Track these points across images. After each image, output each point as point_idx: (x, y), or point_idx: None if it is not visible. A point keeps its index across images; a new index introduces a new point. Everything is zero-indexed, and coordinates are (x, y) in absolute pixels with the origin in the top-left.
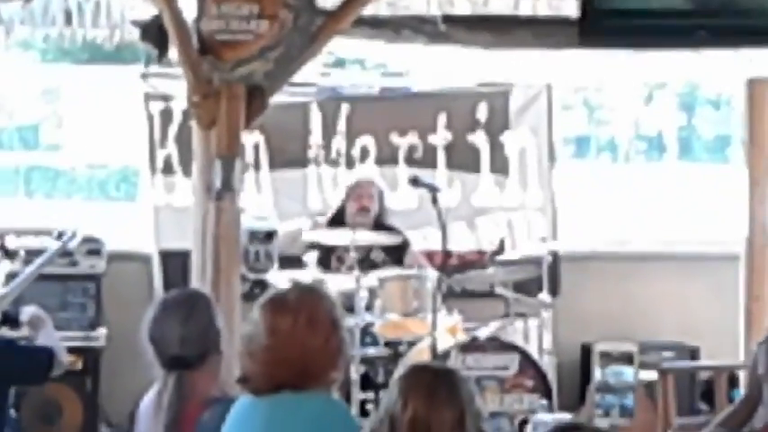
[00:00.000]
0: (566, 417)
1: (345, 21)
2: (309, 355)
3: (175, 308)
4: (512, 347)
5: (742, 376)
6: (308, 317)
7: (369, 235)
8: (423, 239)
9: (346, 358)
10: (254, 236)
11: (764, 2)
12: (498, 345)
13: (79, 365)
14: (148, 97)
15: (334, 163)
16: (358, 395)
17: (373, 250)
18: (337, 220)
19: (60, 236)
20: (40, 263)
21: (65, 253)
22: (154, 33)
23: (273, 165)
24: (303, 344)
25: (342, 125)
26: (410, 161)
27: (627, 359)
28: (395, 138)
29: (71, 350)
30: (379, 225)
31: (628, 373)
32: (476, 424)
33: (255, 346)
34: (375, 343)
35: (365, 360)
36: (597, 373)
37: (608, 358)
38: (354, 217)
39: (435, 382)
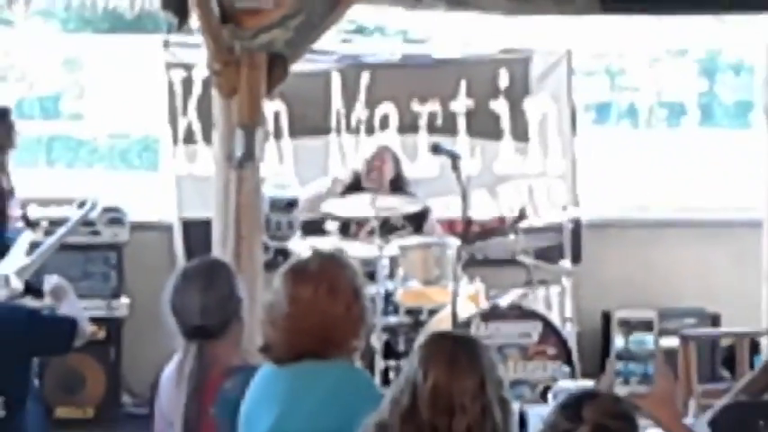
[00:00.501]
0: (588, 384)
1: None
2: (331, 323)
3: (196, 277)
4: (533, 315)
5: (764, 343)
6: (329, 285)
7: (388, 200)
8: (444, 207)
9: (368, 326)
10: (275, 204)
11: None
12: (520, 312)
13: (102, 335)
14: (169, 66)
15: (355, 131)
16: (380, 363)
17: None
18: (354, 188)
19: (82, 205)
20: (62, 233)
21: (87, 223)
22: (174, 2)
23: (294, 133)
24: (324, 312)
25: (363, 93)
26: (431, 128)
27: (646, 327)
28: (416, 105)
29: (93, 320)
30: (397, 189)
31: (649, 340)
32: (497, 392)
33: (277, 314)
34: (397, 311)
35: (387, 328)
36: (618, 341)
37: (627, 326)
38: (366, 178)
39: (455, 351)
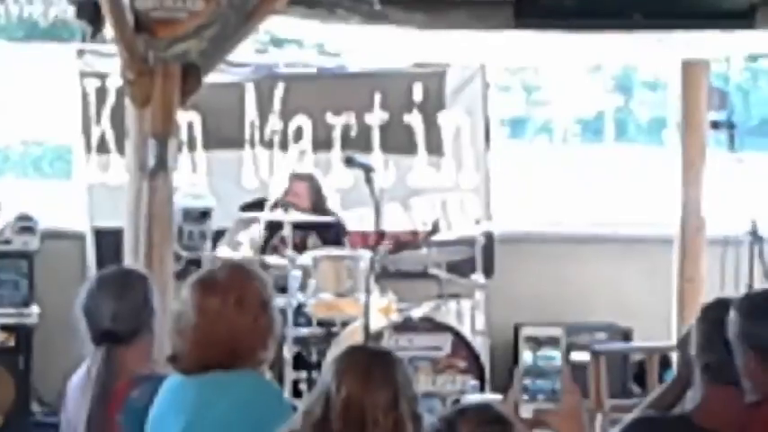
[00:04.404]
0: (497, 398)
1: None
2: (238, 334)
3: (111, 283)
4: (445, 328)
5: (674, 358)
6: (237, 296)
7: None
8: (357, 219)
9: (276, 338)
10: (188, 214)
11: None
12: (431, 325)
13: (11, 343)
14: (83, 75)
15: (269, 143)
16: (291, 375)
17: (309, 237)
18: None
19: None
20: None
21: None
22: (89, 10)
23: (208, 144)
24: (232, 324)
25: (277, 104)
26: (345, 141)
27: (554, 343)
28: (330, 117)
29: (3, 327)
30: (318, 211)
31: (556, 356)
32: (411, 407)
33: (185, 325)
34: (308, 323)
35: (298, 340)
36: (526, 357)
37: (535, 342)
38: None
39: (370, 364)
